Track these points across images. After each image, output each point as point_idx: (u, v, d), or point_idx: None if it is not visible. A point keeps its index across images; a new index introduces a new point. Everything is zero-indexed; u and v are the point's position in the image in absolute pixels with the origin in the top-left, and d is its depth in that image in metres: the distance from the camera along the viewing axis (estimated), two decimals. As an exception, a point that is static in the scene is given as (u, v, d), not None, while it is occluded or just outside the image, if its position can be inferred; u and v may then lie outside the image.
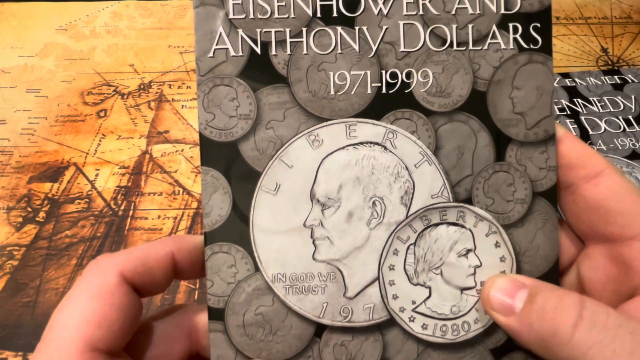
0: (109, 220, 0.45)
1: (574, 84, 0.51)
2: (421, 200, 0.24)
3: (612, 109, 0.48)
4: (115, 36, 0.58)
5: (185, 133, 0.50)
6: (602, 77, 0.51)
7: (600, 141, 0.46)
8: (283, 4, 0.24)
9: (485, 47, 0.24)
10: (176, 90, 0.53)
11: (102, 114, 0.52)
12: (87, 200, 0.46)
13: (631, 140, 0.46)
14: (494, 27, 0.24)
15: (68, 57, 0.56)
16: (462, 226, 0.24)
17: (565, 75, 0.51)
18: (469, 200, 0.24)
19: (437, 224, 0.24)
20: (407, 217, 0.24)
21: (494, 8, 0.24)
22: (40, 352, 0.21)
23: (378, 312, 0.24)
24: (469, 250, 0.24)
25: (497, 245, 0.24)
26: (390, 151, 0.24)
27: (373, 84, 0.24)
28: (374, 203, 0.24)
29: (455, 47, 0.24)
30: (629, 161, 0.45)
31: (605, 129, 0.47)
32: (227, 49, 0.24)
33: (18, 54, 0.56)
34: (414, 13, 0.24)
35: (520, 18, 0.24)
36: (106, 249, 0.43)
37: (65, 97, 0.53)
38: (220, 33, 0.23)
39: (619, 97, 0.49)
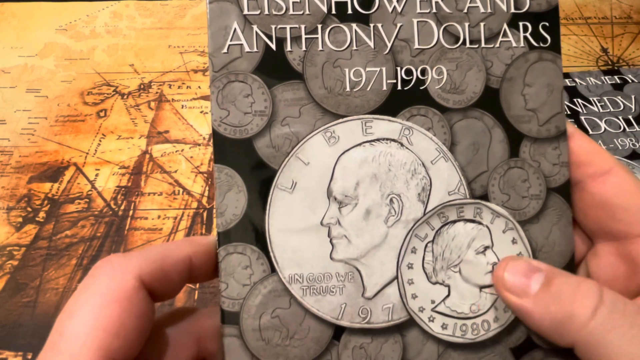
0: (109, 220, 0.45)
1: (574, 84, 0.51)
2: (438, 197, 0.24)
3: (612, 109, 0.48)
4: (115, 36, 0.58)
5: (185, 133, 0.50)
6: (602, 77, 0.51)
7: (600, 141, 0.46)
8: (298, 0, 0.24)
9: (497, 44, 0.25)
10: (176, 90, 0.53)
11: (102, 114, 0.52)
12: (87, 200, 0.46)
13: (631, 140, 0.46)
14: (505, 26, 0.25)
15: (68, 57, 0.56)
16: (479, 223, 0.24)
17: (565, 75, 0.51)
18: (485, 197, 0.24)
19: (454, 221, 0.24)
20: (424, 214, 0.24)
21: (504, 7, 0.25)
22: (47, 357, 0.19)
23: (397, 313, 0.24)
24: (486, 247, 0.24)
25: (514, 241, 0.24)
26: (407, 148, 0.24)
27: (388, 81, 0.24)
28: (391, 200, 0.24)
29: (468, 45, 0.24)
30: (629, 161, 0.45)
31: (605, 129, 0.47)
32: (241, 45, 0.23)
33: (18, 54, 0.56)
34: (428, 11, 0.24)
35: (530, 17, 0.25)
36: (106, 248, 0.43)
37: (65, 97, 0.53)
38: (235, 29, 0.23)
39: (619, 97, 0.49)
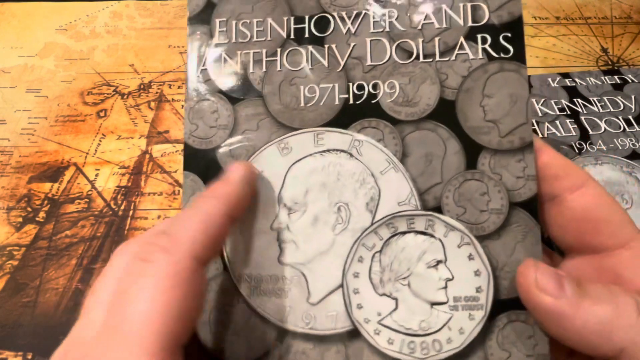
0: (109, 220, 0.45)
1: (574, 84, 0.50)
2: (387, 208, 0.24)
3: (612, 109, 0.48)
4: (115, 36, 0.58)
5: (185, 133, 0.50)
6: (602, 77, 0.51)
7: (600, 141, 0.46)
8: (261, 29, 0.26)
9: (453, 57, 0.25)
10: (176, 90, 0.53)
11: (102, 114, 0.52)
12: (87, 200, 0.46)
13: (631, 140, 0.46)
14: (462, 39, 0.25)
15: (68, 57, 0.56)
16: (432, 235, 0.23)
17: (565, 75, 0.51)
18: (439, 209, 0.24)
19: (404, 232, 0.24)
20: (372, 224, 0.24)
21: (461, 21, 0.25)
22: (113, 347, 0.18)
23: (341, 321, 0.24)
24: (439, 262, 0.23)
25: (470, 257, 0.23)
26: (356, 158, 0.25)
27: (341, 96, 0.25)
28: (339, 208, 0.24)
29: (421, 59, 0.25)
30: (629, 161, 0.45)
31: (605, 129, 0.47)
32: (211, 69, 0.27)
33: (18, 54, 0.56)
34: (381, 30, 0.25)
35: (489, 29, 0.25)
36: (106, 248, 0.43)
37: (65, 97, 0.53)
38: (207, 56, 0.27)
39: (619, 97, 0.49)
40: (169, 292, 0.19)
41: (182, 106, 0.52)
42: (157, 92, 0.53)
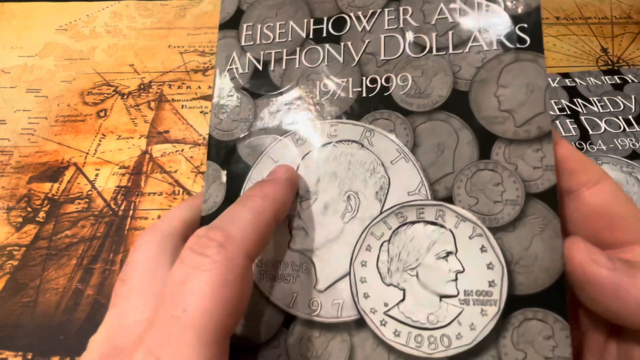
0: (109, 220, 0.45)
1: (574, 84, 0.50)
2: (397, 197, 0.24)
3: (612, 109, 0.48)
4: (115, 36, 0.58)
5: (185, 133, 0.50)
6: (602, 77, 0.51)
7: (600, 141, 0.46)
8: (283, 31, 0.28)
9: (467, 50, 0.24)
10: (176, 90, 0.53)
11: (102, 114, 0.52)
12: (87, 200, 0.46)
13: (631, 140, 0.46)
14: (476, 32, 0.24)
15: (68, 57, 0.56)
16: (442, 226, 0.23)
17: (565, 75, 0.51)
18: (450, 199, 0.23)
19: (413, 222, 0.23)
20: (381, 213, 0.24)
21: (475, 14, 0.25)
22: (171, 334, 0.19)
23: (347, 310, 0.23)
24: (449, 253, 0.22)
25: (483, 249, 0.22)
26: (367, 148, 0.25)
27: (354, 89, 0.26)
28: (348, 197, 0.25)
29: (434, 53, 0.25)
30: (629, 161, 0.45)
31: (605, 129, 0.47)
32: (237, 67, 0.28)
33: (18, 54, 0.56)
34: (395, 27, 0.26)
35: (504, 21, 0.24)
36: (106, 249, 0.43)
37: (65, 97, 0.53)
38: (234, 57, 0.28)
39: (619, 97, 0.49)
40: (226, 288, 0.20)
41: (182, 106, 0.52)
42: (157, 92, 0.53)
